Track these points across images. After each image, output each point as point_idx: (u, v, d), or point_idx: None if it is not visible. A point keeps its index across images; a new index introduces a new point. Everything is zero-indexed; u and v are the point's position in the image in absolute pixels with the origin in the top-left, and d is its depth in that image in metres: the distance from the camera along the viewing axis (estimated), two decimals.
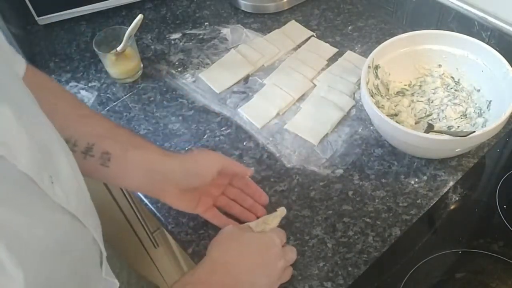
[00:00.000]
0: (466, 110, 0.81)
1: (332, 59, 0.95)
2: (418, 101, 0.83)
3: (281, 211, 0.69)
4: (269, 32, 1.02)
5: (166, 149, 0.82)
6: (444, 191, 0.75)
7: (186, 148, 0.83)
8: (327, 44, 0.98)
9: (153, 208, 0.76)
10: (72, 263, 0.46)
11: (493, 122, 0.69)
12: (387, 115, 0.73)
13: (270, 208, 0.72)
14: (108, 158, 0.61)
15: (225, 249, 0.62)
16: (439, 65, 0.84)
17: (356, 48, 0.97)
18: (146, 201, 0.77)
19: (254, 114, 0.87)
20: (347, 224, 0.72)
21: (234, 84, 0.93)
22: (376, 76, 0.81)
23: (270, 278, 0.61)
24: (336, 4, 1.07)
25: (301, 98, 0.89)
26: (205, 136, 0.85)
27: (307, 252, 0.69)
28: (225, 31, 1.04)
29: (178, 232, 0.73)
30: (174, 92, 0.92)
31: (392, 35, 0.83)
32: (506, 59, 0.75)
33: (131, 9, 1.10)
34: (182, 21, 1.07)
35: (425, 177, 0.76)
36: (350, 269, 0.67)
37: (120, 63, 0.92)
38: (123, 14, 1.10)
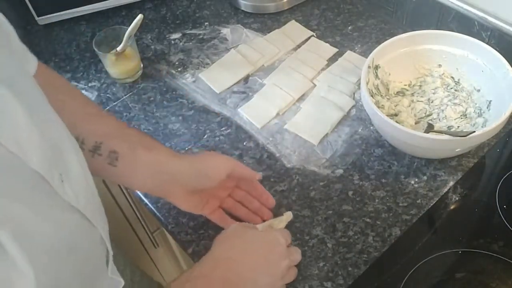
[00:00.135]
0: (466, 110, 0.81)
1: (332, 59, 0.95)
2: (418, 101, 0.83)
3: (288, 216, 0.69)
4: (269, 32, 1.02)
5: None
6: (444, 191, 0.75)
7: (186, 148, 0.83)
8: (327, 44, 0.98)
9: (153, 208, 0.76)
10: (79, 261, 0.46)
11: (493, 122, 0.69)
12: (387, 115, 0.73)
13: (275, 210, 0.72)
14: (116, 157, 0.61)
15: (229, 246, 0.61)
16: (439, 65, 0.84)
17: (356, 48, 0.97)
18: (146, 201, 0.77)
19: (254, 114, 0.87)
20: (347, 224, 0.72)
21: (234, 84, 0.93)
22: (376, 76, 0.81)
23: (273, 277, 0.61)
24: (336, 4, 1.07)
25: (301, 98, 0.89)
26: (205, 136, 0.85)
27: (307, 252, 0.69)
28: (225, 31, 1.04)
29: (178, 232, 0.73)
30: (174, 92, 0.93)
31: (392, 35, 0.83)
32: (506, 59, 0.75)
33: (131, 9, 1.10)
34: (182, 21, 1.07)
35: (425, 177, 0.76)
36: (350, 269, 0.67)
37: (120, 63, 0.92)
38: (123, 14, 1.10)
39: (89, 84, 0.96)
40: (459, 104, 0.82)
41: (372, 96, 0.78)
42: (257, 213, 0.71)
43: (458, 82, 0.83)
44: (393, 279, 0.66)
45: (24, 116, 0.40)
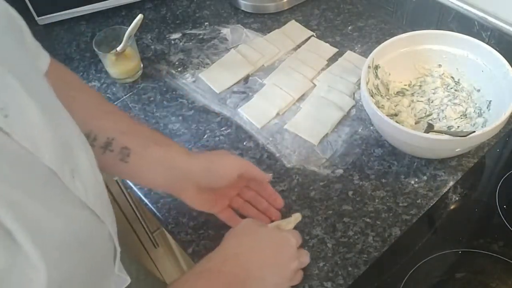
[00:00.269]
0: (466, 110, 0.81)
1: (332, 59, 0.95)
2: (418, 101, 0.83)
3: (296, 217, 0.69)
4: (269, 32, 1.02)
5: None
6: (444, 191, 0.75)
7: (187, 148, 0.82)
8: (327, 44, 0.98)
9: (153, 208, 0.76)
10: (88, 257, 0.46)
11: (493, 122, 0.69)
12: (387, 115, 0.73)
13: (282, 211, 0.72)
14: (128, 153, 0.61)
15: (239, 242, 0.61)
16: (439, 65, 0.84)
17: (356, 48, 0.97)
18: (146, 201, 0.77)
19: (254, 114, 0.87)
20: (347, 224, 0.72)
21: (234, 84, 0.93)
22: (376, 76, 0.81)
23: (281, 278, 0.61)
24: (336, 4, 1.07)
25: (301, 98, 0.89)
26: (205, 136, 0.85)
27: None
28: (225, 31, 1.04)
29: (178, 232, 0.73)
30: (174, 92, 0.93)
31: (392, 35, 0.83)
32: (506, 59, 0.75)
33: (131, 9, 1.10)
34: (182, 21, 1.07)
35: (425, 177, 0.76)
36: (350, 269, 0.67)
37: (120, 63, 0.92)
38: (123, 14, 1.10)
39: (89, 84, 0.95)
40: (459, 104, 0.82)
41: (372, 96, 0.78)
42: (266, 213, 0.71)
43: (458, 82, 0.83)
44: (393, 279, 0.66)
45: (37, 113, 0.40)
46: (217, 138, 0.84)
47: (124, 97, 0.93)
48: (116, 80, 0.95)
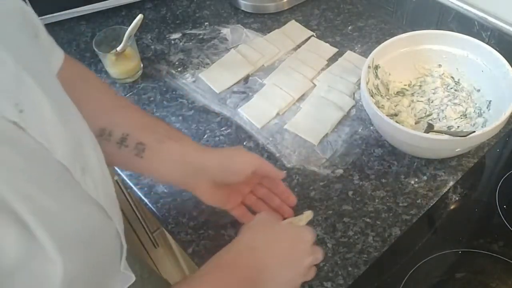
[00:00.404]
0: (466, 110, 0.81)
1: (332, 59, 0.95)
2: (418, 101, 0.83)
3: (307, 215, 0.68)
4: (269, 32, 1.02)
5: None
6: (444, 191, 0.75)
7: None
8: (327, 44, 0.98)
9: (153, 208, 0.76)
10: (97, 253, 0.47)
11: (493, 122, 0.69)
12: (387, 115, 0.73)
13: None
14: (143, 148, 0.62)
15: (254, 236, 0.61)
16: (439, 65, 0.84)
17: (356, 48, 0.97)
18: (146, 201, 0.77)
19: (254, 114, 0.87)
20: (347, 224, 0.72)
21: (234, 84, 0.93)
22: (376, 76, 0.81)
23: (296, 273, 0.60)
24: (336, 4, 1.07)
25: (301, 98, 0.89)
26: (205, 136, 0.85)
27: None
28: (225, 31, 1.04)
29: (178, 232, 0.73)
30: (174, 92, 0.92)
31: (392, 35, 0.83)
32: (506, 59, 0.75)
33: (131, 9, 1.10)
34: (182, 21, 1.07)
35: (425, 177, 0.76)
36: (350, 269, 0.67)
37: (120, 63, 0.92)
38: (123, 14, 1.10)
39: None
40: (459, 104, 0.82)
41: (372, 96, 0.78)
42: (278, 210, 0.70)
43: (458, 82, 0.83)
44: (393, 279, 0.66)
45: (50, 110, 0.41)
46: (217, 138, 0.84)
47: (124, 97, 0.93)
48: (116, 80, 0.95)
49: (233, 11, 1.08)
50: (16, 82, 0.39)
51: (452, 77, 0.84)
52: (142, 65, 0.96)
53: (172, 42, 1.02)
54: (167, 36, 1.04)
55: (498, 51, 0.76)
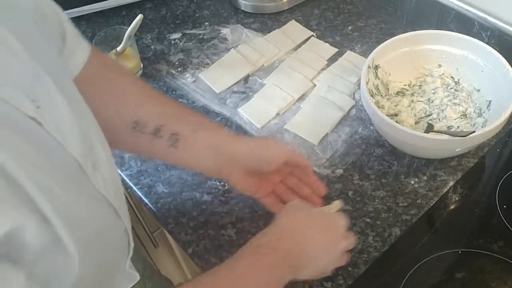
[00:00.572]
0: (466, 110, 0.81)
1: (332, 59, 0.95)
2: (418, 101, 0.83)
3: (336, 205, 0.68)
4: (269, 32, 1.02)
5: None
6: (444, 191, 0.75)
7: None
8: (327, 44, 0.98)
9: (153, 208, 0.76)
10: (107, 252, 0.48)
11: (493, 122, 0.69)
12: (387, 115, 0.73)
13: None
14: (177, 139, 0.62)
15: (293, 218, 0.61)
16: (439, 65, 0.84)
17: (356, 48, 0.97)
18: (146, 201, 0.77)
19: (254, 114, 0.87)
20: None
21: (234, 84, 0.93)
22: (376, 76, 0.81)
23: (331, 256, 0.61)
24: (336, 4, 1.07)
25: (301, 98, 0.89)
26: None
27: None
28: (225, 31, 1.04)
29: (178, 232, 0.73)
30: (174, 92, 0.92)
31: (392, 35, 0.83)
32: (506, 59, 0.75)
33: (131, 9, 1.10)
34: (182, 21, 1.07)
35: (425, 177, 0.76)
36: (350, 269, 0.67)
37: (120, 63, 0.92)
38: (123, 14, 1.10)
39: None
40: (459, 104, 0.82)
41: (372, 96, 0.78)
42: (308, 200, 0.70)
43: (458, 82, 0.83)
44: (393, 279, 0.66)
45: (65, 107, 0.42)
46: None
47: None
48: None
49: (233, 11, 1.08)
50: (32, 77, 0.40)
51: (452, 77, 0.84)
52: (142, 65, 0.96)
53: (172, 42, 1.02)
54: (167, 36, 1.04)
55: (498, 51, 0.76)
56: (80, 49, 0.61)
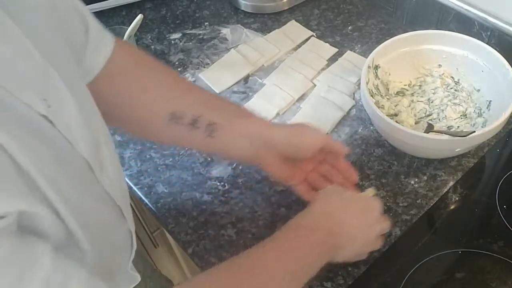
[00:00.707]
0: (466, 110, 0.81)
1: (332, 59, 0.95)
2: (418, 101, 0.83)
3: (370, 191, 0.68)
4: (269, 32, 1.02)
5: (166, 149, 0.82)
6: (444, 191, 0.75)
7: (186, 148, 0.82)
8: (327, 44, 0.98)
9: (153, 208, 0.76)
10: (111, 252, 0.49)
11: (493, 122, 0.69)
12: (387, 115, 0.73)
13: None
14: (214, 128, 0.62)
15: (329, 202, 0.62)
16: (439, 65, 0.84)
17: (356, 48, 0.97)
18: (146, 201, 0.77)
19: None
20: None
21: (234, 84, 0.93)
22: (376, 76, 0.81)
23: (367, 238, 0.62)
24: (336, 4, 1.07)
25: (301, 98, 0.89)
26: None
27: None
28: (225, 31, 1.04)
29: (178, 232, 0.73)
30: None
31: (392, 35, 0.83)
32: (506, 59, 0.75)
33: (131, 9, 1.10)
34: (182, 21, 1.07)
35: (425, 177, 0.76)
36: (350, 269, 0.67)
37: None
38: (123, 14, 1.10)
39: None
40: (459, 104, 0.82)
41: (372, 96, 0.78)
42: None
43: (458, 82, 0.83)
44: (393, 279, 0.66)
45: (75, 107, 0.43)
46: None
47: None
48: None
49: (233, 11, 1.08)
50: (44, 76, 0.41)
51: (452, 77, 0.84)
52: None
53: (172, 42, 1.02)
54: (167, 36, 1.04)
55: (498, 51, 0.76)
56: (104, 41, 0.60)
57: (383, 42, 0.81)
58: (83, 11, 0.56)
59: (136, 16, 0.87)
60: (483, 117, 0.77)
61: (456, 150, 0.73)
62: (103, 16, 1.09)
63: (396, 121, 0.74)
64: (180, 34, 1.04)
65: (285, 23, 1.04)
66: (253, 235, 0.72)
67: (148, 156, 0.82)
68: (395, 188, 0.75)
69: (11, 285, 0.31)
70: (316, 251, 0.57)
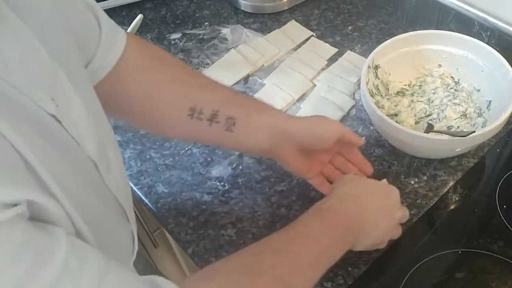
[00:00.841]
0: (466, 110, 0.81)
1: (332, 59, 0.95)
2: (418, 101, 0.83)
3: (384, 182, 0.69)
4: (269, 32, 1.02)
5: (166, 149, 0.82)
6: (444, 191, 0.75)
7: (186, 148, 0.83)
8: (327, 44, 0.98)
9: (153, 208, 0.76)
10: (113, 252, 0.48)
11: (493, 122, 0.69)
12: (387, 115, 0.73)
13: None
14: (233, 122, 0.62)
15: (353, 187, 0.63)
16: (439, 65, 0.84)
17: (356, 48, 0.97)
18: (146, 201, 0.77)
19: None
20: None
21: (234, 84, 0.93)
22: (376, 76, 0.81)
23: (388, 224, 0.62)
24: (336, 4, 1.07)
25: (301, 98, 0.89)
26: None
27: None
28: (225, 31, 1.04)
29: (178, 232, 0.73)
30: None
31: (392, 35, 0.83)
32: (506, 59, 0.75)
33: (131, 9, 1.10)
34: (182, 21, 1.07)
35: (425, 177, 0.76)
36: (350, 269, 0.67)
37: None
38: (123, 14, 1.10)
39: None
40: (459, 104, 0.82)
41: (372, 96, 0.78)
42: None
43: (458, 82, 0.83)
44: (393, 279, 0.66)
45: (82, 107, 0.43)
46: None
47: None
48: None
49: (233, 11, 1.08)
50: (52, 76, 0.41)
51: (452, 77, 0.84)
52: None
53: (172, 42, 1.02)
54: (167, 36, 1.04)
55: (498, 51, 0.76)
56: (117, 37, 0.61)
57: (383, 42, 0.81)
58: (95, 7, 0.56)
59: (136, 16, 0.87)
60: (483, 117, 0.77)
61: (456, 150, 0.73)
62: None
63: (396, 121, 0.74)
64: (180, 34, 1.04)
65: (285, 23, 1.04)
66: (253, 235, 0.72)
67: (148, 156, 0.82)
68: None
69: (28, 272, 0.31)
70: (340, 232, 0.57)
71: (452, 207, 0.74)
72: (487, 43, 0.78)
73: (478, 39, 0.79)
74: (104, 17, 0.58)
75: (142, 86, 0.62)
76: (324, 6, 1.07)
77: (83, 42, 0.54)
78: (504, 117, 0.68)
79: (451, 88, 0.83)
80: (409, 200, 0.74)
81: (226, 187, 0.77)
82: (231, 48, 1.00)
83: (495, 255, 0.67)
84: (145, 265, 0.82)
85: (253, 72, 0.95)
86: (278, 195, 0.75)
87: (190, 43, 1.02)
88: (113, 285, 0.36)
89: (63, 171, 0.39)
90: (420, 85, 0.85)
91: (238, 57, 0.97)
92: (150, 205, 0.76)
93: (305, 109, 0.86)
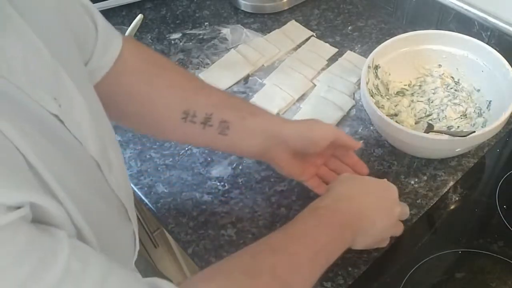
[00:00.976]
0: (466, 110, 0.81)
1: (332, 59, 0.95)
2: (418, 101, 0.83)
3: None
4: (269, 32, 1.02)
5: (166, 149, 0.82)
6: (444, 191, 0.75)
7: (186, 148, 0.83)
8: (327, 44, 0.98)
9: (153, 208, 0.76)
10: (115, 252, 0.49)
11: (493, 122, 0.69)
12: (387, 115, 0.73)
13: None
14: (227, 126, 0.63)
15: (349, 185, 0.63)
16: (439, 65, 0.84)
17: (356, 48, 0.97)
18: (146, 201, 0.77)
19: None
20: None
21: (234, 84, 0.93)
22: (376, 76, 0.81)
23: (387, 221, 0.62)
24: (336, 4, 1.07)
25: (301, 98, 0.89)
26: None
27: None
28: (225, 31, 1.04)
29: (178, 232, 0.73)
30: None
31: (392, 35, 0.83)
32: (506, 59, 0.75)
33: (131, 9, 1.10)
34: (182, 21, 1.07)
35: (425, 177, 0.76)
36: (350, 269, 0.67)
37: None
38: (123, 14, 1.10)
39: None
40: (459, 104, 0.82)
41: (372, 96, 0.78)
42: None
43: (458, 82, 0.83)
44: (393, 279, 0.66)
45: (84, 107, 0.44)
46: None
47: None
48: None
49: (233, 11, 1.08)
50: (54, 76, 0.41)
51: (452, 77, 0.84)
52: None
53: (172, 42, 1.02)
54: (167, 36, 1.04)
55: (498, 51, 0.76)
56: (113, 40, 0.61)
57: (383, 42, 0.81)
58: (92, 10, 0.57)
59: (136, 16, 0.87)
60: (483, 117, 0.77)
61: (456, 150, 0.73)
62: (103, 16, 1.09)
63: (396, 121, 0.74)
64: (180, 34, 1.04)
65: (285, 23, 1.04)
66: (253, 235, 0.72)
67: (148, 156, 0.82)
68: None
69: (31, 274, 0.31)
70: (337, 231, 0.57)
71: (452, 207, 0.74)
72: (487, 43, 0.78)
73: (478, 39, 0.79)
74: (101, 18, 0.58)
75: (139, 88, 0.62)
76: (324, 6, 1.07)
77: (82, 42, 0.54)
78: (504, 117, 0.68)
79: (451, 88, 0.83)
80: (409, 200, 0.74)
81: (226, 187, 0.77)
82: (231, 48, 1.00)
83: (495, 255, 0.67)
84: (146, 265, 0.82)
85: (253, 72, 0.95)
86: (278, 195, 0.75)
87: (190, 43, 1.02)
88: (115, 287, 0.36)
89: (66, 171, 0.39)
90: (420, 85, 0.85)
91: (238, 57, 0.97)
92: (150, 205, 0.76)
93: (305, 109, 0.86)
